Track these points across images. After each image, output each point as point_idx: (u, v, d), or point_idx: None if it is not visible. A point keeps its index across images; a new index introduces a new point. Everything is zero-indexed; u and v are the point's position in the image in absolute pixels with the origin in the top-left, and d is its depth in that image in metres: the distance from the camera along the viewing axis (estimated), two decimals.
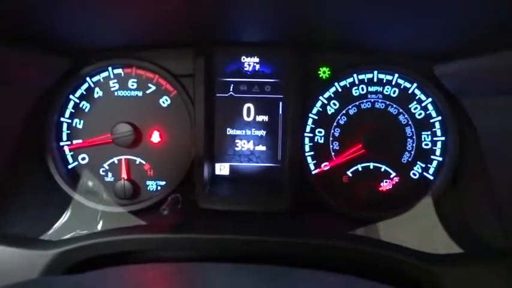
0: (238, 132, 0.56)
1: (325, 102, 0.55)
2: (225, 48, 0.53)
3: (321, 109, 0.55)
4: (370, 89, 0.55)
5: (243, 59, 0.55)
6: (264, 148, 0.57)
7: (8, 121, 0.48)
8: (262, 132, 0.56)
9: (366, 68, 0.54)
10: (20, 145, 0.50)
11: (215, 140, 0.56)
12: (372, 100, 0.55)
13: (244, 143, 0.57)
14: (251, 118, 0.56)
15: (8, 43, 0.42)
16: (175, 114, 0.55)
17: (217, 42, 0.52)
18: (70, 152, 0.56)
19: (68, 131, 0.55)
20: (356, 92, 0.55)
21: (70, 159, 0.56)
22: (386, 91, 0.54)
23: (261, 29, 0.47)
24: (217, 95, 0.55)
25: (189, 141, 0.55)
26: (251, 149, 0.57)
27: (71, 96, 0.55)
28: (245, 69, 0.55)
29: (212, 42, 0.52)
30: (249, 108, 0.55)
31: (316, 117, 0.55)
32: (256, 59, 0.55)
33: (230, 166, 0.56)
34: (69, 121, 0.55)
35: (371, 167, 0.55)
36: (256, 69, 0.55)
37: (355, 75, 0.54)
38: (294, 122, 0.54)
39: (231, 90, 0.55)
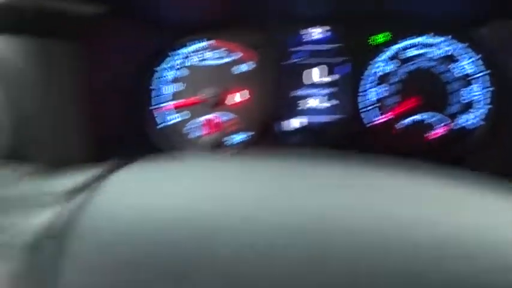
0: (305, 92, 0.65)
1: (382, 63, 0.63)
2: (292, 21, 0.64)
3: (377, 69, 0.63)
4: (421, 51, 0.63)
5: (308, 30, 0.65)
6: (328, 104, 0.65)
7: (114, 84, 0.60)
8: (326, 91, 0.65)
9: (417, 33, 0.63)
10: (123, 108, 0.62)
11: (286, 99, 0.65)
12: (423, 60, 0.63)
13: (310, 101, 0.65)
14: (316, 80, 0.65)
15: (116, 16, 0.53)
16: (253, 78, 0.65)
17: (285, 16, 0.62)
18: (162, 112, 0.67)
19: (163, 95, 0.66)
20: (409, 54, 0.63)
21: (161, 120, 0.67)
22: (435, 52, 0.63)
23: (325, 2, 0.58)
24: (288, 61, 0.64)
25: (265, 101, 0.64)
26: (316, 106, 0.65)
27: (164, 65, 0.66)
28: (312, 38, 0.65)
29: (280, 16, 0.62)
30: (314, 72, 0.64)
31: (373, 77, 0.63)
32: (319, 29, 0.64)
33: (300, 122, 0.65)
34: (163, 87, 0.66)
35: (421, 119, 0.63)
36: (320, 37, 0.65)
37: (410, 39, 0.63)
38: (354, 82, 0.63)
39: (299, 56, 0.65)
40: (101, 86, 0.56)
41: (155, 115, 0.66)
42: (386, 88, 0.64)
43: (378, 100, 0.64)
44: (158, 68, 0.66)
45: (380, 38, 0.63)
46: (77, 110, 0.53)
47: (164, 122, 0.66)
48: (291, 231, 0.16)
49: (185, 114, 0.66)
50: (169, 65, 0.66)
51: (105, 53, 0.56)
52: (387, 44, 0.63)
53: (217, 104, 0.65)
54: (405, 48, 0.63)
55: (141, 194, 0.18)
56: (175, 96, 0.67)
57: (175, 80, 0.66)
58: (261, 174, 0.19)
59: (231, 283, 0.15)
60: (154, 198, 0.18)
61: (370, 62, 0.64)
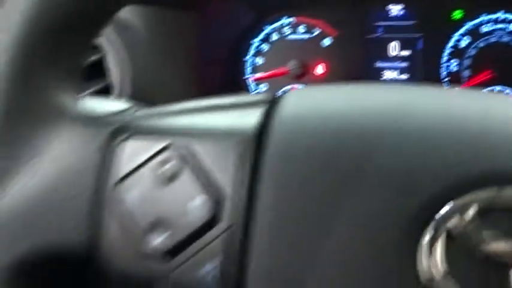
0: (385, 64, 0.71)
1: (458, 38, 0.68)
2: None
3: (454, 44, 0.68)
4: (497, 26, 0.67)
5: (389, 6, 0.70)
6: (406, 77, 0.70)
7: (215, 54, 0.68)
8: (405, 64, 0.70)
9: (493, 9, 0.67)
10: (221, 76, 0.69)
11: (367, 71, 0.71)
12: (498, 35, 0.67)
13: (390, 73, 0.71)
14: (396, 53, 0.70)
15: None
16: (335, 52, 0.71)
17: None
18: (253, 82, 0.74)
19: (251, 67, 0.74)
20: (485, 29, 0.67)
21: (253, 88, 0.74)
22: (510, 28, 0.67)
23: None
24: (369, 36, 0.70)
25: (347, 72, 0.70)
26: (396, 78, 0.71)
27: (254, 40, 0.73)
28: (390, 14, 0.70)
29: None
30: (394, 46, 0.70)
31: (450, 51, 0.68)
32: (399, 6, 0.70)
33: None
34: (252, 59, 0.73)
35: (496, 91, 0.67)
36: (400, 13, 0.70)
37: (484, 15, 0.67)
38: (432, 55, 0.68)
39: (379, 31, 0.70)
40: (205, 54, 0.63)
41: (249, 84, 0.74)
42: (460, 62, 0.68)
43: (451, 74, 0.69)
44: (250, 42, 0.73)
45: (456, 14, 0.68)
46: (185, 75, 0.61)
47: (256, 89, 0.74)
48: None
49: (264, 85, 0.73)
50: (259, 39, 0.73)
51: (210, 24, 0.63)
52: (462, 20, 0.68)
53: (300, 76, 0.71)
54: (480, 24, 0.68)
55: (318, 106, 0.24)
56: (260, 68, 0.74)
57: (261, 53, 0.73)
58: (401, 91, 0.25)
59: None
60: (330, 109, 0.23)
61: (446, 37, 0.68)
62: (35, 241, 0.23)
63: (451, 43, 0.69)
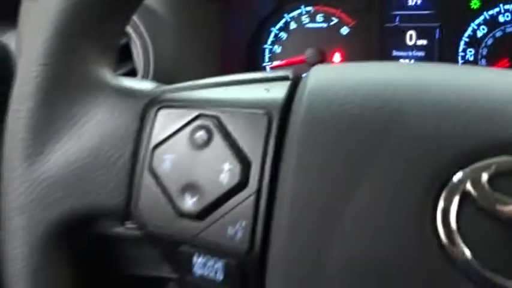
0: (402, 53, 0.71)
1: (475, 27, 0.69)
2: None
3: (471, 33, 0.69)
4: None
5: None
6: None
7: (234, 45, 0.69)
8: (422, 54, 0.71)
9: (505, 0, 0.67)
10: (242, 63, 0.71)
11: (384, 59, 0.72)
12: None
13: (406, 62, 0.72)
14: (413, 42, 0.71)
15: None
16: (352, 40, 0.72)
17: None
18: (271, 70, 0.75)
19: (270, 55, 0.75)
20: (502, 19, 0.68)
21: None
22: None
23: None
24: (386, 25, 0.71)
25: (364, 61, 0.71)
26: None
27: (272, 28, 0.75)
28: (408, 3, 0.71)
29: None
30: (411, 35, 0.71)
31: (467, 40, 0.69)
32: None
33: None
34: (271, 47, 0.75)
35: None
36: (418, 3, 0.71)
37: (501, 5, 0.68)
38: (448, 45, 0.69)
39: (397, 21, 0.71)
40: (226, 41, 0.65)
41: (268, 71, 0.75)
42: (477, 51, 0.68)
43: (468, 63, 0.69)
44: (268, 31, 0.75)
45: (474, 3, 0.68)
46: (206, 62, 0.62)
47: None
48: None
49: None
50: (278, 27, 0.75)
51: (232, 12, 0.65)
52: (480, 10, 0.68)
53: (317, 64, 0.72)
54: (497, 14, 0.68)
55: (346, 75, 0.25)
56: (277, 56, 0.75)
57: (279, 42, 0.75)
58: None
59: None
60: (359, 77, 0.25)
61: (463, 26, 0.69)
62: (77, 201, 0.25)
63: (468, 32, 0.69)
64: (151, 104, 0.26)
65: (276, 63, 0.74)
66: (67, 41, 0.26)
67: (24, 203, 0.25)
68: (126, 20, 0.29)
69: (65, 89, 0.26)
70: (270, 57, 0.75)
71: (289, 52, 0.74)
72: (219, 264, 0.24)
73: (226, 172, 0.23)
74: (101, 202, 0.25)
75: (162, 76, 0.55)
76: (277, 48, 0.75)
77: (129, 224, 0.26)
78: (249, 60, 0.74)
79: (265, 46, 0.75)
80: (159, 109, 0.26)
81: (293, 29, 0.74)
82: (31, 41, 0.26)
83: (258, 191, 0.23)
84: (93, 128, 0.26)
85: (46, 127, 0.26)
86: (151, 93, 0.27)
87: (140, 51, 0.53)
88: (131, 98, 0.26)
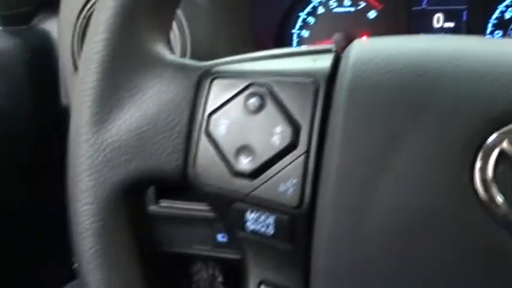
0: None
1: (503, 9, 0.69)
2: None
3: (499, 15, 0.69)
4: None
5: None
6: None
7: (263, 30, 0.71)
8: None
9: None
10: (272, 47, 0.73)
11: None
12: None
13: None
14: (440, 25, 0.72)
15: None
16: (380, 24, 0.73)
17: None
18: None
19: (298, 39, 0.77)
20: None
21: None
22: None
23: None
24: (413, 8, 0.72)
25: None
26: None
27: (300, 13, 0.76)
28: None
29: None
30: (438, 18, 0.72)
31: (494, 22, 0.69)
32: None
33: None
34: (299, 32, 0.77)
35: None
36: None
37: None
38: (476, 27, 0.69)
39: (424, 3, 0.72)
40: (256, 26, 0.67)
41: None
42: (505, 33, 0.69)
43: None
44: (296, 16, 0.76)
45: None
46: (237, 46, 0.65)
47: None
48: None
49: None
50: (306, 12, 0.76)
51: None
52: None
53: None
54: None
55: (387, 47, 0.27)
56: (305, 41, 0.77)
57: (307, 26, 0.76)
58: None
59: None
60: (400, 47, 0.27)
61: (491, 9, 0.69)
62: (140, 163, 0.28)
63: (495, 14, 0.70)
64: (205, 75, 0.28)
65: (303, 47, 0.76)
66: (128, 19, 0.29)
67: (92, 165, 0.28)
68: (178, 1, 0.32)
69: (125, 62, 0.29)
70: (298, 42, 0.77)
71: (317, 36, 0.76)
72: (270, 220, 0.26)
73: (278, 135, 0.26)
74: (161, 165, 0.28)
75: (198, 58, 0.57)
76: (305, 33, 0.76)
77: (188, 185, 0.28)
78: (277, 45, 0.75)
79: (293, 31, 0.76)
80: (213, 80, 0.28)
81: (321, 14, 0.76)
82: (96, 18, 0.29)
83: (307, 152, 0.25)
84: (152, 98, 0.28)
85: (110, 97, 0.28)
86: (204, 66, 0.29)
87: (177, 33, 0.56)
88: (186, 70, 0.29)
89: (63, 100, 0.68)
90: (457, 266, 0.22)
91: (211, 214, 0.69)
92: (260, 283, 0.28)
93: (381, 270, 0.24)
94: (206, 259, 0.99)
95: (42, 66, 0.68)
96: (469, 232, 0.22)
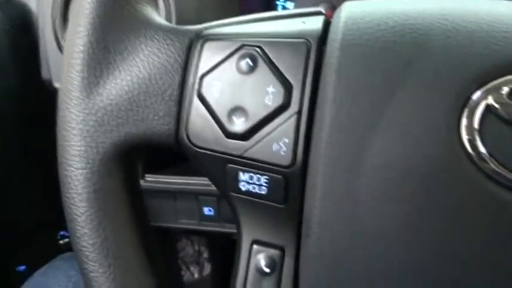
0: None
1: None
2: None
3: None
4: None
5: None
6: None
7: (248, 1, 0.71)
8: None
9: None
10: None
11: None
12: None
13: None
14: None
15: None
16: None
17: None
18: None
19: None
20: None
21: None
22: None
23: None
24: None
25: None
26: None
27: None
28: None
29: None
30: None
31: None
32: None
33: None
34: (283, 4, 0.76)
35: None
36: None
37: None
38: None
39: None
40: None
41: None
42: None
43: None
44: None
45: None
46: (224, 14, 0.64)
47: None
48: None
49: None
50: None
51: None
52: None
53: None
54: None
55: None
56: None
57: None
58: None
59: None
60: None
61: None
62: (133, 127, 0.28)
63: None
64: (196, 38, 0.28)
65: (293, 10, 0.76)
66: None
67: (83, 129, 0.28)
68: None
69: (115, 25, 0.28)
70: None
71: (302, 7, 0.75)
72: (263, 180, 0.27)
73: (270, 95, 0.26)
74: (153, 128, 0.28)
75: (183, 24, 0.57)
76: (290, 4, 0.76)
77: (181, 147, 0.28)
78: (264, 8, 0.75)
79: (278, 2, 0.76)
80: (204, 42, 0.28)
81: None
82: None
83: (299, 111, 0.26)
84: (143, 61, 0.28)
85: (100, 60, 0.28)
86: (195, 29, 0.29)
87: (161, 0, 0.55)
88: (177, 33, 0.29)
89: (44, 74, 0.67)
90: (447, 220, 0.23)
91: (197, 187, 0.69)
92: (252, 243, 0.28)
93: (373, 226, 0.24)
94: (191, 235, 1.00)
95: (21, 38, 0.67)
96: (458, 186, 0.23)
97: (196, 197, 0.71)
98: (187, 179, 0.68)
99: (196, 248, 1.07)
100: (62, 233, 0.79)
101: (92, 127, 0.28)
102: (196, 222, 0.74)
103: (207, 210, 0.73)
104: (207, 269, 1.04)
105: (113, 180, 0.29)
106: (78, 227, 0.28)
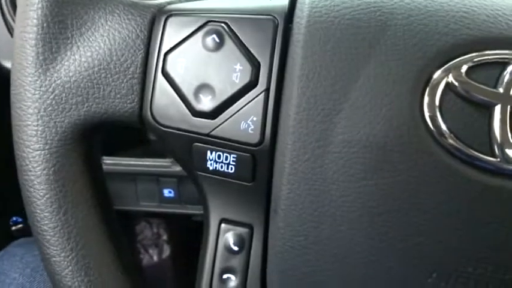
0: None
1: None
2: None
3: None
4: None
5: None
6: None
7: None
8: None
9: None
10: None
11: None
12: None
13: None
14: None
15: None
16: None
17: None
18: None
19: None
20: None
21: None
22: None
23: None
24: None
25: None
26: None
27: None
28: None
29: None
30: None
31: None
32: None
33: None
34: None
35: None
36: None
37: None
38: None
39: None
40: None
41: None
42: None
43: None
44: None
45: None
46: None
47: None
48: None
49: None
50: None
51: None
52: None
53: None
54: None
55: None
56: None
57: None
58: None
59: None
60: None
61: None
62: (93, 106, 0.27)
63: None
64: (159, 13, 0.27)
65: None
66: None
67: (40, 108, 0.27)
68: None
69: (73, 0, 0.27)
70: None
71: None
72: (231, 158, 0.27)
73: (238, 72, 0.26)
74: (115, 107, 0.27)
75: None
76: None
77: (145, 127, 0.28)
78: None
79: None
80: (167, 17, 0.27)
81: None
82: None
83: (267, 89, 0.26)
84: (103, 36, 0.27)
85: (57, 35, 0.27)
86: (157, 4, 0.28)
87: None
88: (138, 8, 0.28)
89: None
90: (409, 192, 0.24)
91: (157, 169, 0.68)
92: (220, 222, 0.28)
93: (339, 202, 0.25)
94: (150, 218, 0.99)
95: None
96: (420, 161, 0.24)
97: (157, 179, 0.70)
98: (147, 161, 0.67)
99: (155, 230, 1.05)
100: (14, 218, 0.76)
101: (49, 105, 0.27)
102: (156, 204, 0.73)
103: (167, 192, 0.72)
104: (166, 251, 1.04)
105: (73, 161, 0.28)
106: (38, 211, 0.27)
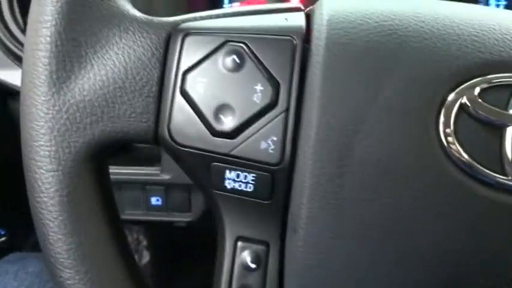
0: None
1: None
2: None
3: None
4: None
5: None
6: None
7: None
8: None
9: None
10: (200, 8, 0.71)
11: None
12: None
13: None
14: None
15: None
16: None
17: None
18: None
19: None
20: None
21: None
22: None
23: None
24: None
25: None
26: None
27: None
28: None
29: None
30: None
31: None
32: None
33: None
34: None
35: None
36: None
37: None
38: None
39: None
40: None
41: None
42: None
43: None
44: None
45: None
46: (173, 5, 0.62)
47: None
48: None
49: None
50: None
51: None
52: None
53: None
54: None
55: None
56: None
57: None
58: None
59: None
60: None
61: None
62: (108, 125, 0.26)
63: None
64: (175, 31, 0.27)
65: (235, 4, 0.75)
66: None
67: (53, 128, 0.26)
68: None
69: (86, 15, 0.26)
70: (229, 0, 0.75)
71: None
72: (251, 177, 0.27)
73: (259, 93, 0.26)
74: (130, 126, 0.27)
75: None
76: None
77: (162, 146, 0.27)
78: (210, 2, 0.74)
79: None
80: (185, 36, 0.27)
81: None
82: None
83: (287, 109, 0.26)
84: (118, 55, 0.26)
85: (70, 53, 0.26)
86: (172, 22, 0.28)
87: None
88: (153, 26, 0.27)
89: None
90: (428, 215, 0.25)
91: (144, 177, 0.67)
92: (237, 239, 0.28)
93: (357, 223, 0.25)
94: (132, 225, 0.97)
95: None
96: (437, 183, 0.25)
97: (143, 187, 0.69)
98: (133, 169, 0.66)
99: (135, 236, 1.04)
100: None
101: (63, 125, 0.26)
102: (143, 212, 0.72)
103: (154, 200, 0.71)
104: (146, 257, 1.02)
105: (86, 181, 0.27)
106: (51, 233, 0.27)
